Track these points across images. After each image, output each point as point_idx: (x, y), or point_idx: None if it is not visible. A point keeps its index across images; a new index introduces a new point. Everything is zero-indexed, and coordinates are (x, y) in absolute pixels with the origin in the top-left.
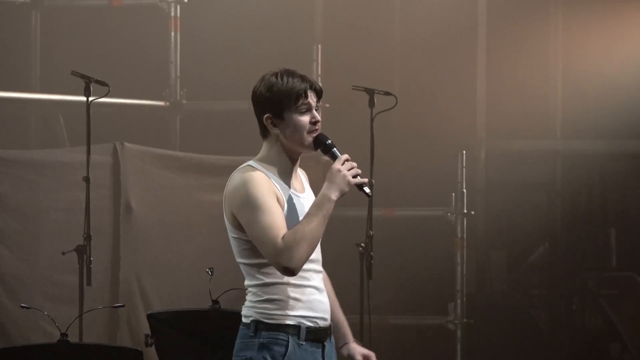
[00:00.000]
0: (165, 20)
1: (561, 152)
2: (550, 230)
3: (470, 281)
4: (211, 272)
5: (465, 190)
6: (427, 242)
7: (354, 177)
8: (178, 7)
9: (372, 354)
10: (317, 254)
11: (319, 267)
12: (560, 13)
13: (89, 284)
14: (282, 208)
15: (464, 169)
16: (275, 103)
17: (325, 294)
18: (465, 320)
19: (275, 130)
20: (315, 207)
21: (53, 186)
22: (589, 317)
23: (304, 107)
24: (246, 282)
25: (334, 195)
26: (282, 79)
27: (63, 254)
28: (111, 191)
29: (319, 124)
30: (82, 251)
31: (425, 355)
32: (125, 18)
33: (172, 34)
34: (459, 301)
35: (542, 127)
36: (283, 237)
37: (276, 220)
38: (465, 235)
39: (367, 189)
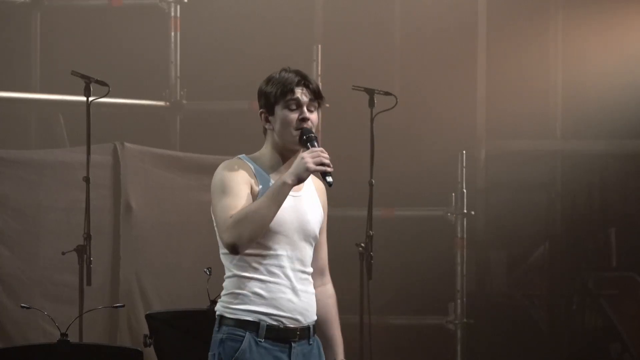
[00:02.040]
0: (165, 20)
1: (561, 152)
2: (550, 230)
3: (470, 281)
4: (209, 272)
5: (465, 190)
6: (427, 242)
7: (320, 165)
8: (178, 7)
9: None
10: (297, 252)
11: (302, 268)
12: (560, 13)
13: (89, 284)
14: (255, 198)
15: (464, 169)
16: (267, 97)
17: (305, 296)
18: (465, 320)
19: (267, 125)
20: (270, 190)
21: (53, 186)
22: (589, 317)
23: (292, 103)
24: (224, 276)
25: (290, 179)
26: (279, 74)
27: (63, 254)
28: (111, 191)
29: (309, 122)
30: (82, 251)
31: (425, 355)
32: (125, 18)
33: (172, 34)
34: (459, 301)
35: (542, 127)
36: (231, 215)
37: (237, 202)
38: (465, 235)
39: (329, 178)
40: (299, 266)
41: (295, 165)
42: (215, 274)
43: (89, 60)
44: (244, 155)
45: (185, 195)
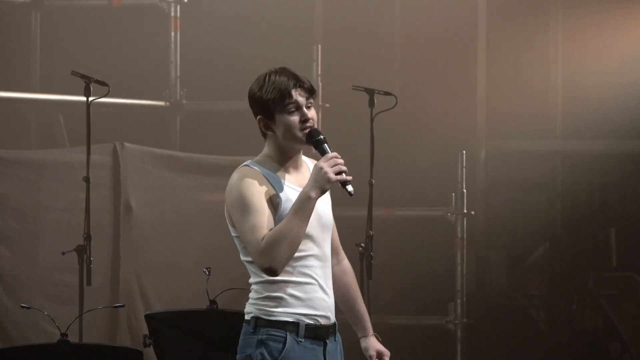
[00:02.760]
0: (165, 20)
1: (561, 152)
2: (550, 230)
3: (470, 281)
4: (208, 272)
5: (465, 190)
6: (427, 242)
7: (338, 174)
8: (178, 7)
9: (386, 353)
10: (319, 250)
11: (325, 264)
12: (560, 13)
13: (89, 284)
14: (277, 208)
15: (464, 169)
16: (264, 105)
17: (330, 292)
18: (465, 320)
19: (268, 132)
20: (296, 206)
21: (53, 186)
22: (589, 317)
23: (291, 106)
24: (250, 280)
25: (314, 194)
26: (269, 79)
27: (63, 254)
28: (111, 191)
29: (311, 121)
30: (82, 251)
31: (425, 355)
32: (125, 18)
33: (172, 34)
34: (459, 301)
35: (542, 127)
36: (264, 237)
37: (261, 220)
38: (465, 235)
39: (349, 188)
40: (324, 263)
41: (315, 177)
42: (215, 273)
43: (89, 60)
44: (250, 161)
45: (185, 195)
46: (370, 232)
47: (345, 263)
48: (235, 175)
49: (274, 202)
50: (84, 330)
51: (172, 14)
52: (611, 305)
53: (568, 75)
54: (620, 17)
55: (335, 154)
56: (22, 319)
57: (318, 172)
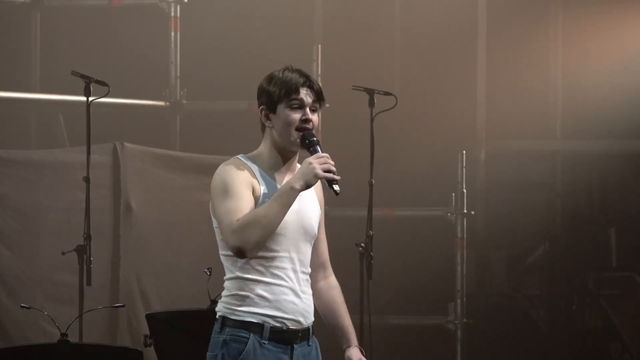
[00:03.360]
0: (165, 20)
1: (561, 152)
2: (550, 230)
3: (470, 281)
4: (209, 272)
5: (465, 190)
6: (427, 242)
7: (327, 172)
8: (178, 7)
9: None
10: (298, 254)
11: (302, 269)
12: (561, 13)
13: (89, 284)
14: (257, 200)
15: (464, 169)
16: (269, 95)
17: (306, 297)
18: (465, 320)
19: (267, 123)
20: (278, 194)
21: (53, 186)
22: (589, 317)
23: (295, 102)
24: (224, 277)
25: (298, 185)
26: (282, 73)
27: (63, 254)
28: (111, 191)
29: (311, 123)
30: (82, 251)
31: (425, 355)
32: (125, 18)
33: (172, 34)
34: (459, 301)
35: (542, 127)
36: (239, 218)
37: (240, 205)
38: (465, 235)
39: (336, 187)
40: (300, 267)
41: (302, 170)
42: (216, 274)
43: (89, 60)
44: (242, 155)
45: (185, 195)
46: (370, 232)
47: (332, 279)
48: (220, 166)
49: (254, 195)
50: (84, 330)
51: (172, 14)
52: (611, 305)
53: (568, 75)
54: (620, 17)
55: (326, 154)
56: (22, 319)
57: (306, 167)
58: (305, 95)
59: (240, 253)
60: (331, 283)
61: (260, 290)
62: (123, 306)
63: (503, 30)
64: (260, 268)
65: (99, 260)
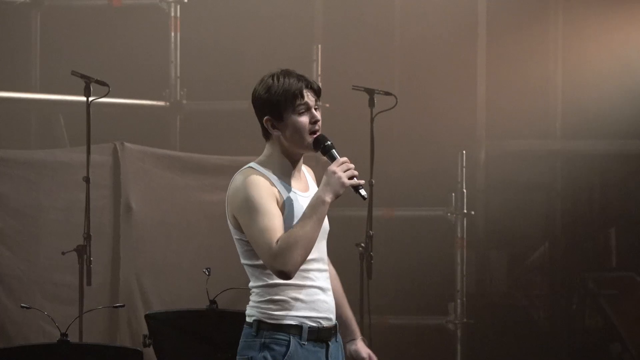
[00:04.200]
0: (165, 20)
1: (561, 152)
2: (550, 230)
3: (470, 281)
4: (208, 272)
5: (465, 190)
6: (427, 242)
7: (350, 178)
8: (178, 7)
9: (374, 358)
10: (319, 253)
11: (323, 266)
12: (561, 13)
13: (89, 284)
14: (282, 211)
15: (464, 169)
16: (273, 105)
17: (330, 293)
18: (465, 320)
19: (275, 132)
20: (310, 209)
21: (53, 186)
22: (589, 317)
23: (302, 107)
24: (250, 284)
25: (329, 198)
26: (278, 80)
27: (63, 254)
28: (111, 191)
29: (319, 123)
30: (82, 251)
31: (425, 355)
32: (125, 18)
33: (172, 34)
34: (459, 301)
35: (542, 127)
36: (277, 240)
37: (273, 223)
38: (465, 235)
39: (362, 192)
40: (323, 266)
41: (329, 182)
42: (214, 274)
43: (89, 60)
44: (254, 163)
45: (185, 195)
46: (370, 232)
47: (332, 269)
48: (239, 177)
49: (278, 205)
50: (84, 330)
51: (172, 14)
52: (611, 305)
53: (568, 75)
54: (620, 18)
55: (345, 158)
56: (22, 319)
57: (331, 177)
58: (308, 97)
59: (285, 276)
60: (331, 273)
61: (294, 293)
62: (123, 306)
63: (503, 30)
64: None
65: (99, 260)
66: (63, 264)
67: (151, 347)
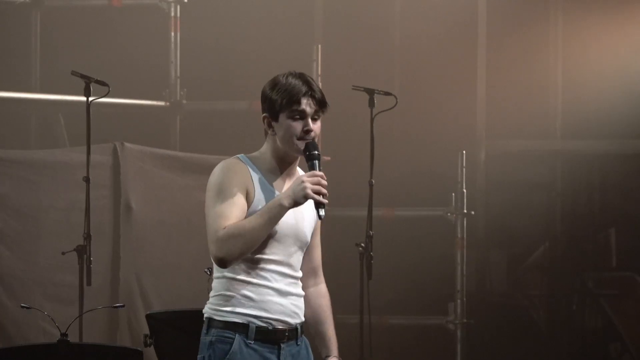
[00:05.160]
0: (165, 20)
1: (561, 152)
2: (550, 230)
3: (470, 281)
4: (209, 272)
5: (465, 190)
6: (427, 242)
7: (318, 193)
8: (178, 7)
9: None
10: (285, 257)
11: (289, 271)
12: (561, 13)
13: (89, 284)
14: (250, 204)
15: (464, 169)
16: (272, 104)
17: (293, 298)
18: (465, 320)
19: (270, 131)
20: (266, 208)
21: (53, 186)
22: (589, 317)
23: (296, 113)
24: (213, 275)
25: (287, 202)
26: (285, 80)
27: (63, 254)
28: (111, 191)
29: (312, 134)
30: (82, 251)
31: (425, 355)
32: (125, 18)
33: (172, 34)
34: (459, 301)
35: (542, 127)
36: (225, 227)
37: (230, 211)
38: (465, 235)
39: (322, 212)
40: (288, 271)
41: (294, 188)
42: None
43: (89, 60)
44: (242, 155)
45: (185, 195)
46: (370, 232)
47: (323, 287)
48: (221, 163)
49: (248, 199)
50: (84, 330)
51: (172, 14)
52: (611, 305)
53: (568, 75)
54: (620, 18)
55: (321, 173)
56: (22, 319)
57: (298, 185)
58: (306, 105)
59: (221, 263)
60: (320, 291)
61: (245, 290)
62: (123, 306)
63: (503, 30)
64: (247, 269)
65: (99, 260)
66: (63, 264)
67: (152, 346)
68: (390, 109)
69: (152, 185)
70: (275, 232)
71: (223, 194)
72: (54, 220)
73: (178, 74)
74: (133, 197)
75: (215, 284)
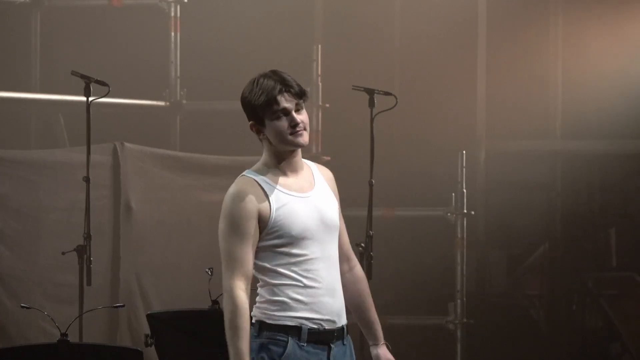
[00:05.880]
0: (165, 20)
1: (561, 152)
2: (550, 230)
3: (470, 281)
4: (211, 272)
5: (465, 190)
6: (427, 242)
7: None
8: (178, 7)
9: None
10: (322, 252)
11: (330, 265)
12: (560, 13)
13: (89, 284)
14: (268, 217)
15: (464, 169)
16: (253, 111)
17: (338, 294)
18: (465, 320)
19: (261, 136)
20: (233, 352)
21: (53, 186)
22: (589, 317)
23: (279, 113)
24: (258, 283)
25: None
26: (257, 84)
27: (63, 254)
28: (111, 191)
29: (300, 125)
30: (82, 251)
31: (425, 355)
32: (125, 18)
33: (172, 34)
34: (459, 301)
35: (542, 127)
36: (238, 296)
37: (242, 252)
38: (465, 235)
39: None
40: (329, 264)
41: None
42: (216, 274)
43: (89, 60)
44: (248, 171)
45: (185, 195)
46: (370, 232)
47: (358, 270)
48: (232, 187)
49: (263, 214)
50: (84, 330)
51: (172, 14)
52: (611, 305)
53: (568, 76)
54: (620, 18)
55: None
56: (22, 319)
57: None
58: (285, 102)
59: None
60: (357, 275)
61: (295, 294)
62: (123, 306)
63: (503, 31)
64: (290, 273)
65: (99, 260)
66: (63, 264)
67: (152, 346)
68: (390, 109)
69: (152, 185)
70: (307, 232)
71: (234, 231)
72: (54, 220)
73: (178, 74)
74: (133, 197)
75: (261, 291)
